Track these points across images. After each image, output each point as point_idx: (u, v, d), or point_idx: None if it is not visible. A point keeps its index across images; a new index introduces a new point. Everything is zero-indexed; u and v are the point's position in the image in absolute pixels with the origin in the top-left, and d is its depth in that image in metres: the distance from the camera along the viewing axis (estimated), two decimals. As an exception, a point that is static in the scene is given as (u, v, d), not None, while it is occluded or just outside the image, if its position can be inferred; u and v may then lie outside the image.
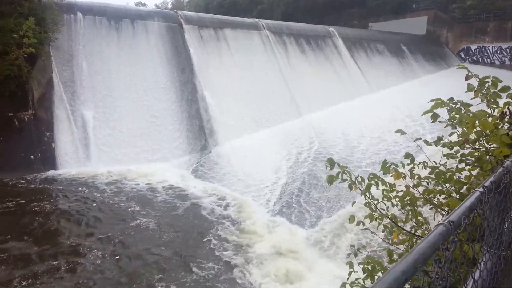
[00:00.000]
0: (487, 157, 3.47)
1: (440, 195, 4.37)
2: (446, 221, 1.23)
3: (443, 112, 3.95)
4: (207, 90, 20.75)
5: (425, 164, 4.50)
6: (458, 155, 4.27)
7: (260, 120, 22.24)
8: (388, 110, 25.16)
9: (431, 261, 1.13)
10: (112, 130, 17.81)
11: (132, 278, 9.70)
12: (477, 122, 3.41)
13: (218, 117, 20.47)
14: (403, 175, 4.45)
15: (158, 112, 19.29)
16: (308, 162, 18.11)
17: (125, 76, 19.09)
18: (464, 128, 3.80)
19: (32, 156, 15.59)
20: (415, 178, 4.58)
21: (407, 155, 4.56)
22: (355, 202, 4.76)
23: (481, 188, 1.52)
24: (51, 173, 15.64)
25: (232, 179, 16.88)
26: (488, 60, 41.52)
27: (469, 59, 42.70)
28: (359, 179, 4.06)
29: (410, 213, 4.35)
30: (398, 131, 4.70)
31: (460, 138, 4.00)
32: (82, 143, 16.87)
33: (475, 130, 3.73)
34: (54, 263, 9.93)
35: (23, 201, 12.89)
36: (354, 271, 4.56)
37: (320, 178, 16.23)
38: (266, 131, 21.46)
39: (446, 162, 4.51)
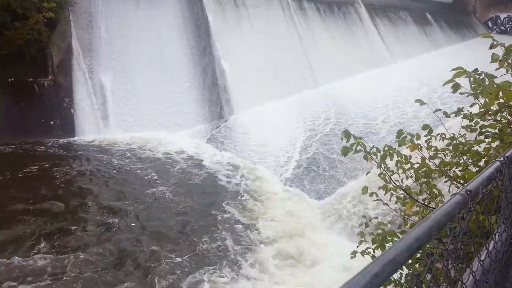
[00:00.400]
0: (509, 129, 3.38)
1: (456, 168, 4.30)
2: (464, 190, 1.20)
3: (465, 83, 3.83)
4: (225, 58, 20.53)
5: (443, 136, 4.41)
6: (478, 127, 4.17)
7: (277, 89, 22.01)
8: (409, 80, 24.58)
9: (445, 231, 1.12)
10: (130, 97, 17.91)
11: (149, 244, 10.00)
12: (500, 93, 3.29)
13: (235, 86, 20.33)
14: (419, 147, 4.38)
15: (175, 80, 19.26)
16: (324, 133, 18.01)
17: (143, 43, 18.99)
18: (487, 99, 3.69)
19: (51, 122, 15.87)
20: (432, 150, 4.51)
21: (425, 127, 4.46)
22: (369, 172, 4.74)
23: (501, 159, 1.47)
24: (70, 139, 15.95)
25: (248, 149, 16.94)
26: (517, 30, 39.85)
27: (497, 29, 41.00)
28: (374, 150, 4.01)
29: (424, 185, 4.31)
30: (417, 101, 4.59)
31: (482, 109, 3.89)
32: (101, 109, 17.05)
33: (497, 101, 3.62)
34: (73, 228, 10.28)
35: (46, 166, 13.23)
36: (365, 241, 4.59)
37: (335, 150, 16.17)
38: (282, 101, 21.26)
39: (465, 134, 4.42)
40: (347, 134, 3.63)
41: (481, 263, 1.32)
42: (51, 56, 15.97)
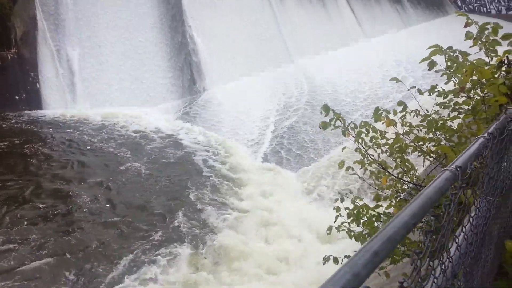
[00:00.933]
0: (482, 105, 3.46)
1: (429, 143, 4.40)
2: (453, 166, 1.21)
3: (440, 61, 3.88)
4: (198, 33, 20.07)
5: (417, 112, 4.50)
6: (452, 104, 4.26)
7: (251, 65, 21.79)
8: (381, 57, 24.86)
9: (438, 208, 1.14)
10: (98, 72, 17.34)
11: (123, 222, 9.89)
12: (474, 71, 3.35)
13: (208, 61, 19.98)
14: (394, 123, 4.44)
15: (146, 55, 18.73)
16: (297, 109, 18.08)
17: (111, 15, 18.28)
18: (461, 76, 3.75)
19: (16, 96, 15.23)
20: (407, 126, 4.59)
21: (400, 103, 4.53)
22: (345, 147, 4.79)
23: (486, 135, 1.50)
24: (37, 113, 15.37)
25: (221, 124, 16.83)
26: (485, 9, 40.67)
27: (466, 8, 41.77)
28: (352, 125, 4.04)
29: (399, 160, 4.39)
30: (393, 79, 4.64)
31: (456, 87, 3.96)
32: (68, 83, 16.45)
33: (471, 79, 3.69)
34: (42, 206, 10.03)
35: (15, 142, 12.74)
36: (341, 215, 4.67)
37: (309, 125, 16.30)
38: (256, 77, 21.12)
39: (438, 111, 4.51)
40: (326, 109, 3.64)
41: (465, 236, 1.36)
42: (14, 28, 15.19)
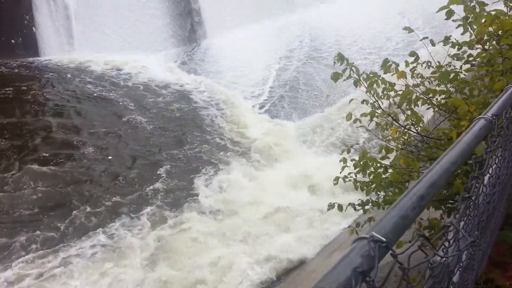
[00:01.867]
0: (499, 58, 3.38)
1: (439, 95, 4.36)
2: (489, 115, 1.20)
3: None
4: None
5: (429, 64, 4.41)
6: (465, 55, 4.17)
7: (253, 13, 21.08)
8: (390, 8, 24.02)
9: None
10: (95, 16, 16.78)
11: (127, 170, 10.01)
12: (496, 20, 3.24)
13: (208, 9, 19.32)
14: (405, 75, 4.37)
15: (145, 1, 18.05)
16: (299, 60, 17.75)
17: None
18: (478, 27, 3.64)
19: (12, 41, 14.83)
20: (418, 77, 4.52)
21: (412, 53, 4.43)
22: (353, 99, 4.74)
23: (518, 84, 1.47)
24: (34, 59, 15.05)
25: (222, 75, 16.58)
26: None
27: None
28: (364, 76, 3.98)
29: (408, 112, 4.36)
30: (405, 28, 4.50)
31: (472, 38, 3.86)
32: (64, 27, 15.97)
33: (487, 30, 3.59)
34: (46, 154, 10.08)
35: (12, 89, 12.56)
36: (347, 166, 4.71)
37: (310, 78, 16.08)
38: (258, 25, 20.51)
39: (450, 63, 4.43)
40: (341, 58, 3.55)
41: (489, 183, 1.37)
42: (5, -34, 14.49)
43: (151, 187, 9.37)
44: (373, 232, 0.70)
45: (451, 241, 0.95)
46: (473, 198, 0.97)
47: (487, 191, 1.33)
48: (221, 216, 8.60)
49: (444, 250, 0.94)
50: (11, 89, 12.48)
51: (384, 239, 0.70)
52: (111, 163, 10.10)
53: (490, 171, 1.44)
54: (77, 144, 10.57)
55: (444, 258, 0.89)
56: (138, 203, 8.83)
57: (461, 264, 1.17)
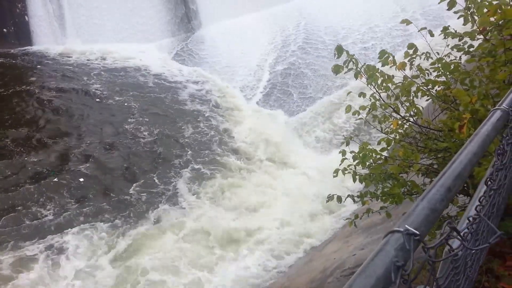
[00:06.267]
0: (502, 48, 3.37)
1: (439, 86, 4.35)
2: (505, 105, 1.19)
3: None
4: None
5: (428, 55, 4.40)
6: (466, 46, 4.15)
7: (247, 3, 20.87)
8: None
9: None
10: (88, 5, 16.51)
11: (122, 160, 9.94)
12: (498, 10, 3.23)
13: (203, -3, 19.11)
14: (405, 66, 4.36)
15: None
16: (294, 51, 17.65)
17: None
18: (480, 17, 3.63)
19: (4, 29, 14.58)
20: (417, 69, 4.51)
21: (410, 45, 4.41)
22: (350, 92, 4.73)
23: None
24: (27, 48, 14.81)
25: (216, 65, 16.47)
26: None
27: None
28: (365, 67, 3.96)
29: (407, 103, 4.36)
30: (403, 21, 4.47)
31: (474, 28, 3.84)
32: (57, 16, 15.71)
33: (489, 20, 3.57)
34: (46, 148, 9.98)
35: (5, 79, 12.36)
36: (347, 158, 4.70)
37: (305, 68, 16.03)
38: (253, 15, 20.33)
39: (449, 53, 4.41)
40: (339, 50, 3.52)
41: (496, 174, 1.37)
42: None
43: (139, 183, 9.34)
44: (407, 225, 0.70)
45: (472, 233, 0.95)
46: (494, 189, 0.97)
47: (500, 183, 1.32)
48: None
49: (466, 242, 0.94)
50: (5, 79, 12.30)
51: (418, 232, 0.69)
52: (96, 156, 10.01)
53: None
54: (69, 136, 10.47)
55: (474, 250, 0.89)
56: (126, 203, 8.81)
57: (476, 256, 1.17)
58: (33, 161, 9.24)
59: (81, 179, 8.99)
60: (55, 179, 8.79)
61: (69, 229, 7.72)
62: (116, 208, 8.41)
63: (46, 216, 7.96)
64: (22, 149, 9.53)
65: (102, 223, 7.93)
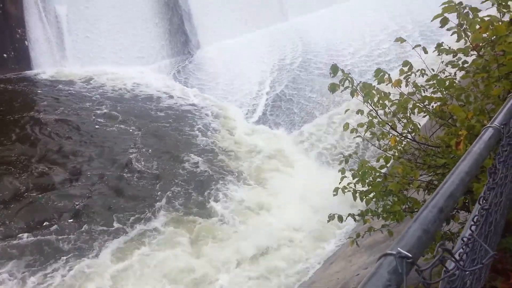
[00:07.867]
0: (495, 64, 3.41)
1: (435, 103, 4.38)
2: (496, 124, 1.20)
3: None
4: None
5: (423, 72, 4.44)
6: (460, 62, 4.19)
7: (245, 23, 21.20)
8: (377, 14, 24.25)
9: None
10: (87, 28, 16.76)
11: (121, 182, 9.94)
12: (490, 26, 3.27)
13: (201, 20, 19.40)
14: (400, 83, 4.39)
15: (138, 12, 18.08)
16: (292, 70, 17.83)
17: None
18: (473, 33, 3.67)
19: (5, 55, 14.76)
20: (412, 86, 4.54)
21: (405, 63, 4.45)
22: (348, 109, 4.76)
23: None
24: (27, 73, 14.97)
25: (215, 86, 16.61)
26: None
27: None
28: (361, 85, 3.99)
29: (404, 120, 4.38)
30: (397, 39, 4.53)
31: (467, 45, 3.89)
32: (57, 41, 15.92)
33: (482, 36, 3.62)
34: (41, 167, 9.99)
35: (5, 105, 12.45)
36: (346, 177, 4.70)
37: (303, 87, 16.15)
38: (251, 35, 20.62)
39: (444, 70, 4.45)
40: (335, 69, 3.56)
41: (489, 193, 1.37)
42: (-3, -18, 14.48)
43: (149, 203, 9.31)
44: (399, 248, 0.69)
45: (468, 253, 0.95)
46: (486, 208, 0.97)
47: (496, 200, 1.32)
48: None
49: (462, 262, 0.93)
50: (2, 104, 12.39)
51: (410, 255, 0.69)
52: (100, 176, 10.02)
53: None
54: (68, 159, 10.49)
55: (467, 272, 0.88)
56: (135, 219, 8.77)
57: (475, 275, 1.17)
58: (27, 186, 9.24)
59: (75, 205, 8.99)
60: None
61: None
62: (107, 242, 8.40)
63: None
64: (17, 175, 9.56)
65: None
